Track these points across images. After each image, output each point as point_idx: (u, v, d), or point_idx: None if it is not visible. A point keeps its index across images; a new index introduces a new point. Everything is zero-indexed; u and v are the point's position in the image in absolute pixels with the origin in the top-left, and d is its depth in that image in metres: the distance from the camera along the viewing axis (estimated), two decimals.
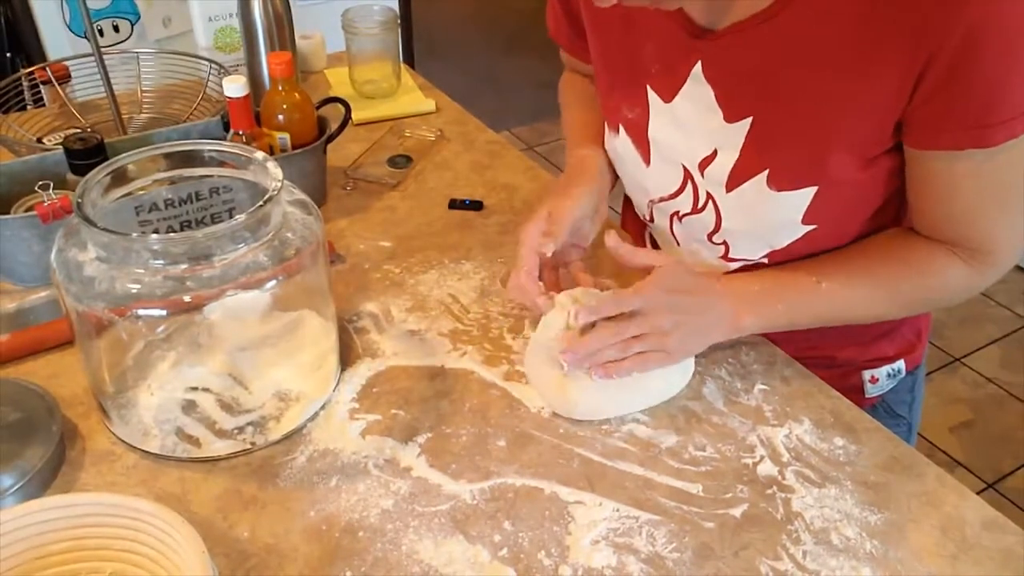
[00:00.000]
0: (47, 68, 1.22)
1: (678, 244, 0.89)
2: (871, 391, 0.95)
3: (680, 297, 0.76)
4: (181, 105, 1.24)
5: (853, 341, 0.91)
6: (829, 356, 0.91)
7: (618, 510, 0.69)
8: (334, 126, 1.08)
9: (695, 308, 0.77)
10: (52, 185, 0.88)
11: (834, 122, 0.71)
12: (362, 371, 0.82)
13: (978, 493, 0.74)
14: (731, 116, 0.76)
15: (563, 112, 1.08)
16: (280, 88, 1.00)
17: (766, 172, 0.76)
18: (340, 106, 1.09)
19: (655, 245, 0.97)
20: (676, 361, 0.77)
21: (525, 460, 0.74)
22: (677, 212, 0.86)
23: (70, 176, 0.93)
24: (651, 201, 0.88)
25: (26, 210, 0.90)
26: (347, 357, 0.84)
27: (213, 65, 1.21)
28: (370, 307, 0.91)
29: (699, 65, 0.75)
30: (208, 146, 0.76)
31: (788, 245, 0.80)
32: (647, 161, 0.85)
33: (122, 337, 0.75)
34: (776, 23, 0.69)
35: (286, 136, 1.00)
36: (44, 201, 0.86)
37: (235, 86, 0.93)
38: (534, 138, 3.28)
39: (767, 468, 0.73)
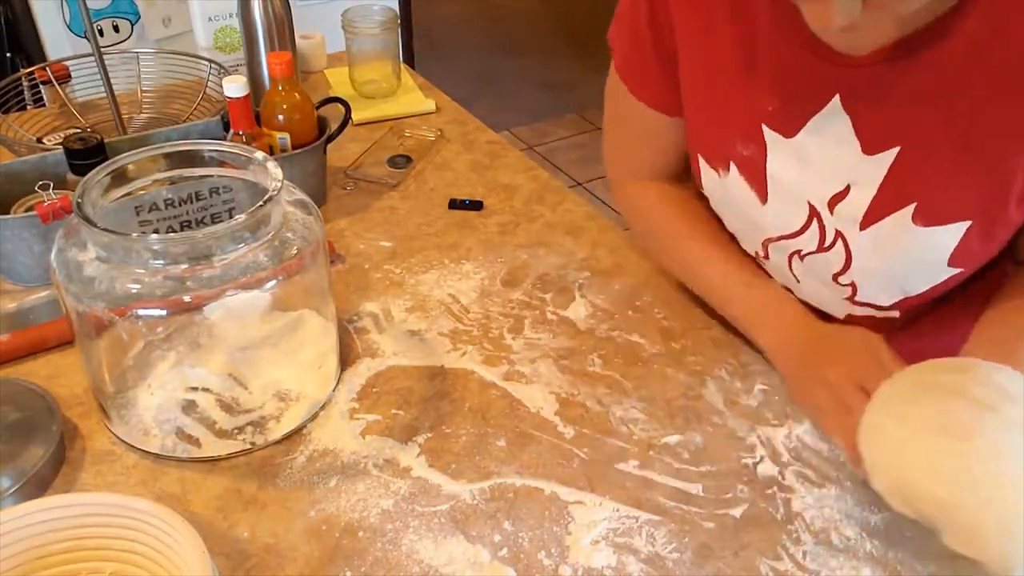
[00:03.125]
0: (47, 68, 1.22)
1: (798, 281, 0.82)
2: None
3: None
4: (181, 105, 1.24)
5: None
6: None
7: (618, 510, 0.69)
8: (334, 126, 1.08)
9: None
10: (52, 185, 0.88)
11: (1000, 156, 0.64)
12: (362, 371, 0.82)
13: None
14: (871, 147, 0.69)
15: (676, 240, 0.89)
16: (280, 88, 1.00)
17: (912, 206, 0.68)
18: (340, 106, 1.09)
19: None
20: None
21: (525, 460, 0.74)
22: (799, 251, 0.78)
23: (70, 176, 0.93)
24: (768, 239, 0.80)
25: (26, 210, 0.90)
26: (347, 357, 0.84)
27: (213, 65, 1.21)
28: (370, 307, 0.91)
29: (836, 98, 0.68)
30: (208, 146, 0.76)
31: (925, 291, 0.74)
32: (764, 199, 0.77)
33: (122, 337, 0.75)
34: (942, 47, 0.62)
35: (286, 136, 1.01)
36: (44, 201, 0.86)
37: (235, 86, 0.93)
38: (534, 138, 3.28)
39: (767, 468, 0.73)
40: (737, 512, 0.69)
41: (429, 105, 1.32)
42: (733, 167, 0.78)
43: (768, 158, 0.75)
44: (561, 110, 3.45)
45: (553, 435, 0.76)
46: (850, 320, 0.82)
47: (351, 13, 1.30)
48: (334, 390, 0.80)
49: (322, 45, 1.45)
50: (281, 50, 1.20)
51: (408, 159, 1.17)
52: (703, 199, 0.87)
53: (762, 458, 0.74)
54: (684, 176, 0.91)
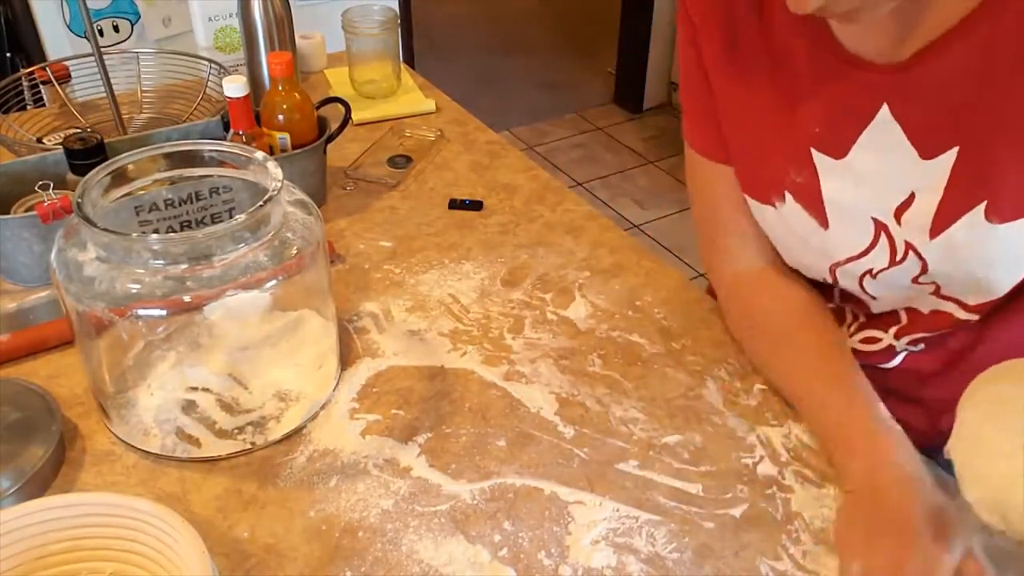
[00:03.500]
0: (47, 68, 1.22)
1: (874, 298, 0.79)
2: None
3: None
4: (181, 105, 1.24)
5: None
6: None
7: (618, 510, 0.69)
8: (334, 126, 1.08)
9: None
10: (52, 185, 0.88)
11: None
12: (362, 371, 0.82)
13: None
14: (928, 152, 0.67)
15: (788, 339, 0.80)
16: (280, 88, 1.00)
17: (983, 205, 0.66)
18: (340, 106, 1.09)
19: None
20: None
21: (525, 460, 0.74)
22: (870, 270, 0.75)
23: (70, 176, 0.93)
24: (834, 264, 0.77)
25: (26, 210, 0.90)
26: (347, 357, 0.84)
27: (213, 65, 1.21)
28: (370, 307, 0.91)
29: (885, 107, 0.67)
30: (208, 146, 0.76)
31: (1012, 290, 0.71)
32: (825, 225, 0.74)
33: (122, 337, 0.75)
34: (970, 43, 0.62)
35: (286, 136, 1.01)
36: (44, 201, 0.86)
37: (235, 86, 0.93)
38: (534, 138, 3.28)
39: (767, 468, 0.73)
40: (737, 512, 0.69)
41: (429, 105, 1.32)
42: (788, 196, 0.76)
43: (822, 182, 0.73)
44: (561, 110, 3.45)
45: (553, 435, 0.76)
46: (934, 315, 0.77)
47: (351, 13, 1.30)
48: (334, 390, 0.80)
49: (322, 45, 1.45)
50: (281, 50, 1.20)
51: (408, 159, 1.17)
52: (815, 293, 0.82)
53: (762, 458, 0.74)
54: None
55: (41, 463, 0.69)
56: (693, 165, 0.85)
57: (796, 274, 0.83)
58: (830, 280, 0.80)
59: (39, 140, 1.13)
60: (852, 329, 0.85)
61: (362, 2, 1.33)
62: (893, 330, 0.81)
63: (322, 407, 0.78)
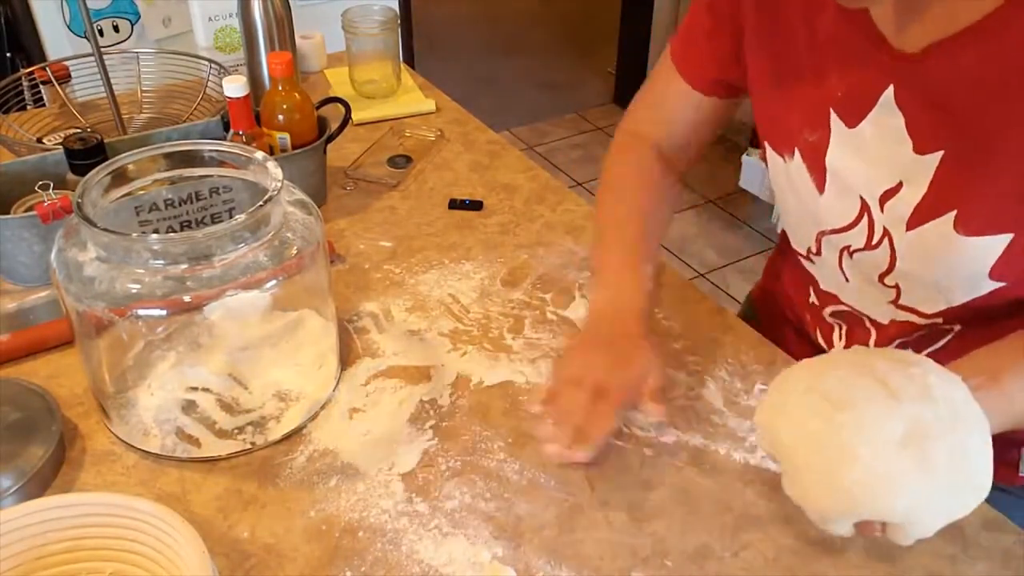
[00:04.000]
0: (47, 68, 1.22)
1: (847, 280, 0.82)
2: None
3: None
4: (181, 105, 1.24)
5: None
6: None
7: (618, 510, 0.69)
8: (334, 126, 1.08)
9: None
10: (52, 185, 0.88)
11: None
12: (362, 371, 0.82)
13: None
14: (922, 147, 0.68)
15: (620, 182, 0.92)
16: (280, 88, 1.00)
17: (953, 213, 0.68)
18: (340, 106, 1.09)
19: (817, 292, 0.88)
20: None
21: (525, 460, 0.74)
22: (848, 247, 0.78)
23: (70, 176, 0.93)
24: (821, 232, 0.80)
25: (26, 210, 0.90)
26: (347, 357, 0.84)
27: (213, 65, 1.21)
28: (370, 307, 0.91)
29: (890, 89, 0.68)
30: (208, 146, 0.76)
31: (968, 303, 0.72)
32: (821, 189, 0.77)
33: (122, 337, 0.75)
34: (985, 46, 0.62)
35: (286, 136, 1.01)
36: (44, 201, 0.86)
37: (235, 86, 0.93)
38: (534, 138, 3.28)
39: (767, 468, 0.73)
40: (737, 512, 0.69)
41: (429, 105, 1.32)
42: (797, 153, 0.78)
43: (829, 146, 0.75)
44: (561, 110, 3.45)
45: None
46: (893, 326, 0.81)
47: (351, 13, 1.30)
48: (334, 390, 0.80)
49: (322, 45, 1.45)
50: (281, 50, 1.20)
51: (408, 159, 1.17)
52: (670, 181, 0.92)
53: (762, 458, 0.74)
54: (682, 156, 0.93)
55: (41, 463, 0.69)
56: (664, 66, 0.90)
57: (667, 164, 0.92)
58: (815, 250, 0.83)
59: (39, 140, 1.13)
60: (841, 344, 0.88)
61: (362, 2, 1.33)
62: (871, 341, 0.84)
63: (322, 407, 0.78)
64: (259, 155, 0.74)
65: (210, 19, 1.47)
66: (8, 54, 1.87)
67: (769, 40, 0.78)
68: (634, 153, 0.93)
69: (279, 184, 0.70)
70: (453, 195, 1.10)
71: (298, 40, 1.31)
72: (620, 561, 0.65)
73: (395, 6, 1.87)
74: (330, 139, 1.06)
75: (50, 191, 0.87)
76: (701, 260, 2.60)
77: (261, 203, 0.68)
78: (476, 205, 1.08)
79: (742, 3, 0.79)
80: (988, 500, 0.66)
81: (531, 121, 3.38)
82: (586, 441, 0.71)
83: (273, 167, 0.72)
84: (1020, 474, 0.84)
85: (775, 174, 0.83)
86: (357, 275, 0.96)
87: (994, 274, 0.69)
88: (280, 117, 1.01)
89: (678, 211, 2.79)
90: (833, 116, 0.74)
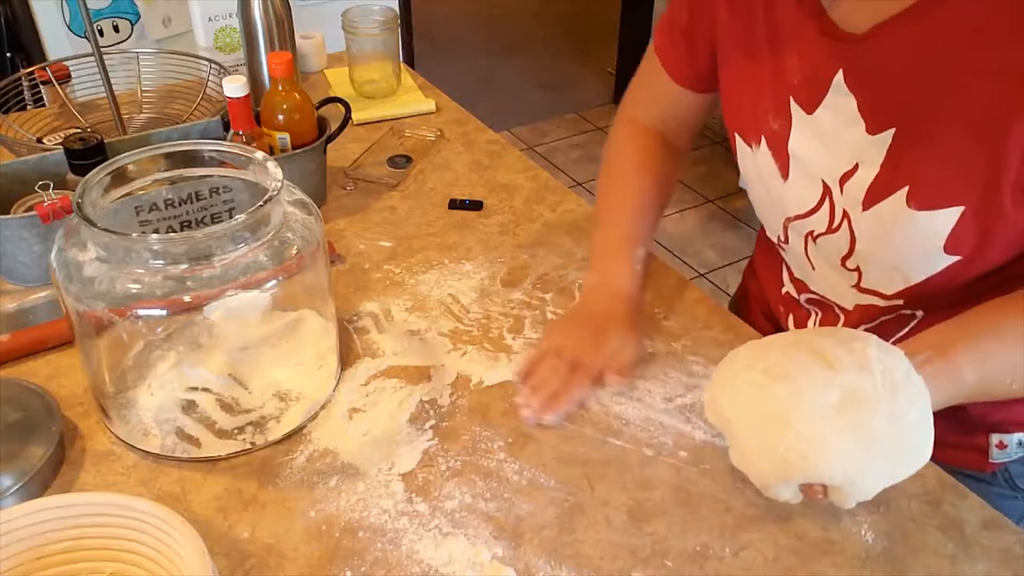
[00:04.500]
0: (47, 68, 1.22)
1: (813, 268, 0.85)
2: (996, 456, 0.85)
3: None
4: (181, 105, 1.24)
5: None
6: (959, 407, 0.75)
7: (618, 510, 0.69)
8: (334, 126, 1.08)
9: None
10: (52, 185, 0.88)
11: (986, 140, 0.65)
12: (362, 371, 0.82)
13: None
14: (873, 127, 0.71)
15: (619, 169, 0.96)
16: (280, 88, 1.00)
17: (906, 188, 0.70)
18: (340, 106, 1.09)
19: (792, 279, 0.91)
20: None
21: (525, 460, 0.74)
22: (812, 232, 0.81)
23: (70, 176, 0.93)
24: (787, 219, 0.83)
25: (26, 210, 0.90)
26: (347, 357, 0.84)
27: (213, 65, 1.21)
28: (370, 307, 0.91)
29: (840, 73, 0.71)
30: (208, 146, 0.76)
31: (927, 280, 0.74)
32: (785, 176, 0.80)
33: (122, 337, 0.75)
34: (925, 24, 0.65)
35: (286, 136, 1.01)
36: (44, 201, 0.86)
37: (235, 86, 0.93)
38: (534, 138, 3.28)
39: None
40: (737, 512, 0.69)
41: (429, 105, 1.32)
42: (763, 141, 0.81)
43: (791, 133, 0.77)
44: (561, 110, 3.45)
45: (553, 435, 0.76)
46: (858, 310, 0.83)
47: (351, 13, 1.30)
48: (334, 390, 0.80)
49: (322, 45, 1.45)
50: (281, 50, 1.20)
51: (408, 159, 1.17)
52: (668, 161, 0.96)
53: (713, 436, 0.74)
54: (677, 142, 0.98)
55: (41, 463, 0.69)
56: (651, 58, 0.94)
57: (667, 146, 0.96)
58: (783, 238, 0.86)
59: (39, 140, 1.13)
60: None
61: (362, 2, 1.33)
62: (840, 326, 0.86)
63: (322, 407, 0.78)
64: (259, 155, 0.74)
65: (210, 19, 1.47)
66: (8, 54, 1.87)
67: (736, 31, 0.81)
68: (633, 138, 0.97)
69: (279, 184, 0.70)
70: (453, 195, 1.10)
71: (298, 40, 1.31)
72: (620, 561, 0.65)
73: (395, 6, 1.87)
74: (330, 139, 1.06)
75: (50, 191, 0.87)
76: (701, 260, 2.61)
77: (261, 203, 0.68)
78: (476, 205, 1.08)
79: (713, 2, 0.82)
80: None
81: (531, 121, 3.38)
82: (557, 407, 0.77)
83: (273, 167, 0.72)
84: (990, 460, 0.86)
85: (744, 164, 0.86)
86: (357, 275, 0.96)
87: (948, 248, 0.71)
88: (280, 117, 1.01)
89: (680, 210, 2.80)
90: (793, 104, 0.76)
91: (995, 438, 0.84)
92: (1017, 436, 0.84)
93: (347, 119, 1.09)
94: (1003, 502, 0.75)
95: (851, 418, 0.60)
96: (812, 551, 0.66)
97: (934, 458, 0.68)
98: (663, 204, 0.96)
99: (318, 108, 1.05)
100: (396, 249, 1.00)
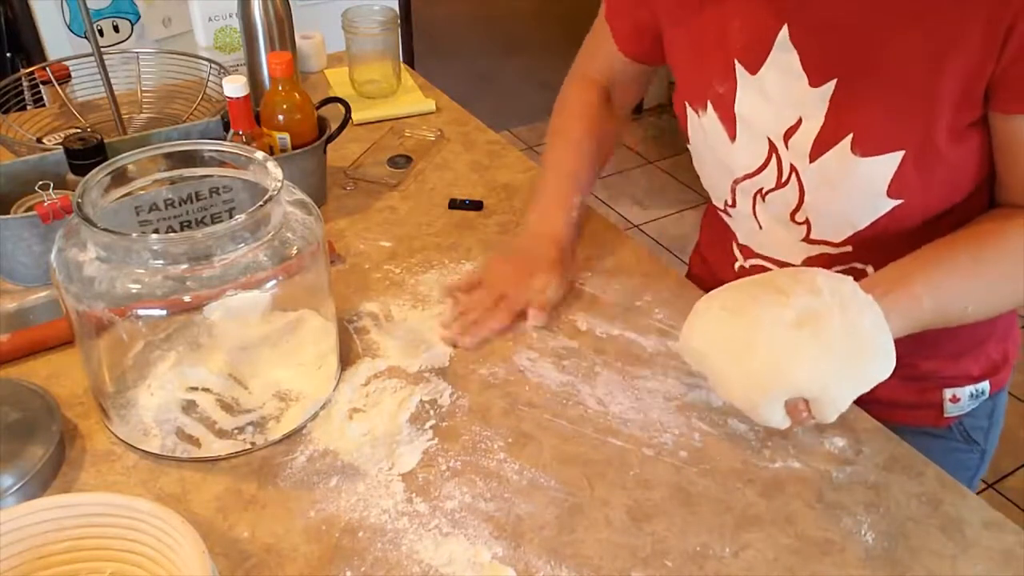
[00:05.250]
0: (47, 68, 1.21)
1: (761, 228, 0.87)
2: (950, 410, 0.90)
3: None
4: (181, 105, 1.24)
5: (936, 353, 0.87)
6: (911, 365, 0.83)
7: (618, 510, 0.69)
8: (334, 126, 1.08)
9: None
10: (52, 185, 0.88)
11: (921, 82, 0.69)
12: (362, 371, 0.82)
13: (978, 493, 0.74)
14: (816, 80, 0.74)
15: (563, 122, 1.02)
16: (280, 88, 1.00)
17: (850, 136, 0.73)
18: (340, 106, 1.09)
19: (739, 247, 0.93)
20: None
21: (525, 459, 0.74)
22: (761, 190, 0.83)
23: (70, 176, 0.93)
24: (735, 181, 0.85)
25: (26, 210, 0.90)
26: (347, 357, 0.84)
27: (213, 65, 1.21)
28: (370, 307, 0.91)
29: (785, 29, 0.74)
30: (208, 146, 0.76)
31: (872, 223, 0.77)
32: (732, 137, 0.82)
33: (122, 337, 0.75)
34: None
35: (286, 136, 1.00)
36: (44, 201, 0.86)
37: (235, 86, 0.93)
38: (534, 138, 3.28)
39: (767, 468, 0.73)
40: (737, 512, 0.69)
41: (429, 105, 1.32)
42: (709, 106, 0.83)
43: (737, 95, 0.80)
44: None
45: (553, 435, 0.76)
46: (807, 263, 0.85)
47: (351, 13, 1.30)
48: (334, 390, 0.80)
49: (322, 45, 1.45)
50: (281, 50, 1.20)
51: (408, 159, 1.17)
52: (608, 116, 1.01)
53: (763, 458, 0.74)
54: (622, 102, 1.04)
55: (41, 463, 0.69)
56: (601, 20, 0.98)
57: (608, 102, 1.01)
58: (731, 202, 0.88)
59: (39, 140, 1.13)
60: None
61: (362, 2, 1.33)
62: None
63: (322, 407, 0.78)
64: (259, 155, 0.74)
65: (210, 19, 1.47)
66: (8, 54, 1.87)
67: (680, 2, 0.84)
68: (581, 93, 1.02)
69: (279, 184, 0.70)
70: (453, 195, 1.10)
71: (298, 40, 1.31)
72: (620, 561, 0.65)
73: (395, 6, 1.87)
74: (330, 139, 1.06)
75: (50, 191, 0.87)
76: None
77: (261, 203, 0.68)
78: (476, 205, 1.08)
79: None
80: (918, 445, 0.74)
81: (531, 121, 3.38)
82: (476, 333, 0.85)
83: (273, 167, 0.72)
84: (945, 415, 0.90)
85: (692, 131, 0.88)
86: (357, 275, 0.96)
87: (892, 192, 0.74)
88: (280, 117, 1.01)
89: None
90: (738, 66, 0.79)
91: (948, 393, 0.88)
92: (969, 389, 0.88)
93: (347, 119, 1.09)
94: (960, 456, 0.80)
95: (809, 330, 0.65)
96: (812, 551, 0.66)
97: (892, 420, 0.76)
98: (604, 157, 1.01)
99: (318, 108, 1.05)
100: (396, 249, 1.00)
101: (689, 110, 0.87)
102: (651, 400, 0.80)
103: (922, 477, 0.73)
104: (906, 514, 0.69)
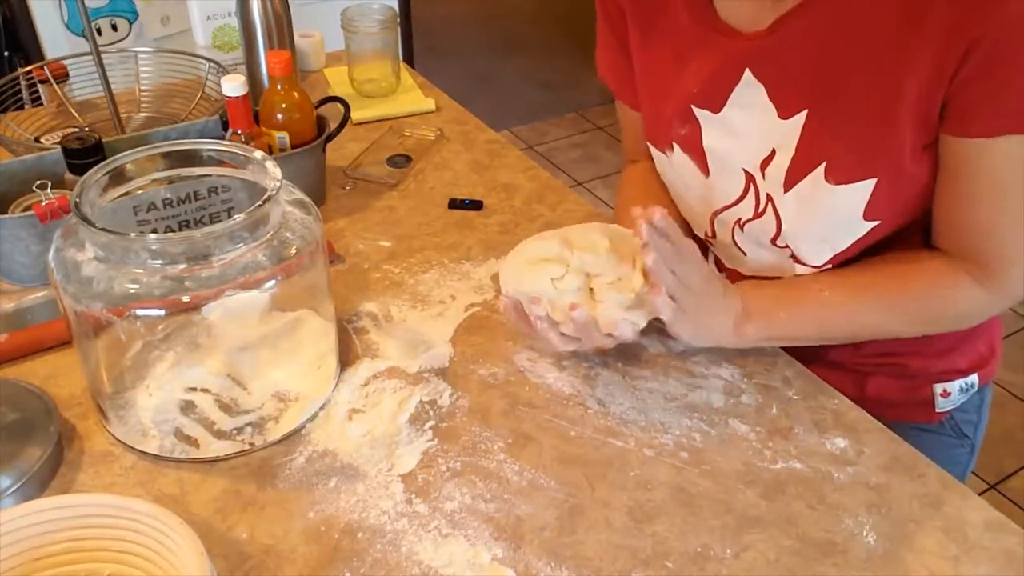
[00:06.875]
0: (45, 67, 1.21)
1: (745, 254, 0.86)
2: (942, 405, 0.91)
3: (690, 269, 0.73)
4: (179, 104, 1.23)
5: (925, 350, 0.88)
6: (901, 364, 0.88)
7: (618, 510, 0.69)
8: (333, 125, 1.07)
9: (701, 289, 0.74)
10: (50, 185, 0.87)
11: (884, 110, 0.70)
12: (361, 371, 0.82)
13: (980, 494, 0.74)
14: (785, 112, 0.75)
15: (623, 203, 0.98)
16: (279, 87, 1.00)
17: (823, 166, 0.74)
18: (339, 105, 1.09)
19: (722, 270, 0.93)
20: (677, 327, 0.73)
21: (525, 460, 0.73)
22: (739, 220, 0.83)
23: (68, 176, 0.93)
24: (714, 213, 0.85)
25: (24, 210, 0.90)
26: (346, 357, 0.83)
27: (212, 64, 1.21)
28: (370, 307, 0.90)
29: (747, 71, 0.75)
30: (207, 145, 0.76)
31: (853, 245, 0.78)
32: (706, 171, 0.83)
33: (120, 337, 0.75)
34: (821, 14, 0.70)
35: (285, 135, 1.00)
36: (42, 201, 0.85)
37: (234, 85, 0.93)
38: (534, 138, 3.28)
39: (768, 469, 0.73)
40: (738, 512, 0.69)
41: (429, 104, 1.32)
42: (676, 146, 0.84)
43: (703, 133, 0.81)
44: (561, 110, 3.45)
45: (553, 435, 0.76)
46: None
47: (350, 12, 1.30)
48: (333, 390, 0.80)
49: (321, 44, 1.44)
50: (280, 49, 1.20)
51: (408, 159, 1.17)
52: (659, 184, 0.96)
53: (763, 458, 0.74)
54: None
55: (39, 464, 0.69)
56: (617, 102, 0.98)
57: (652, 169, 0.94)
58: (711, 234, 0.88)
59: (37, 139, 1.13)
60: None
61: (361, 1, 1.33)
62: None
63: (321, 408, 0.78)
64: (258, 154, 0.74)
65: (208, 18, 1.47)
66: (6, 53, 1.87)
67: (644, 42, 0.84)
68: (630, 177, 0.99)
69: (278, 183, 0.70)
70: (453, 195, 1.10)
71: (297, 39, 1.31)
72: (620, 562, 0.65)
73: (395, 5, 1.87)
74: (329, 138, 1.06)
75: (48, 191, 0.87)
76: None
77: (260, 203, 0.68)
78: (476, 205, 1.08)
79: (624, 12, 0.85)
80: (912, 441, 0.75)
81: (531, 121, 3.38)
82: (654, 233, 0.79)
83: (272, 166, 0.71)
84: (937, 410, 0.90)
85: (663, 170, 0.89)
86: (356, 275, 0.95)
87: (867, 215, 0.75)
88: (279, 116, 1.00)
89: None
90: (696, 110, 0.80)
91: (939, 387, 0.89)
92: (959, 383, 0.89)
93: (346, 118, 1.09)
94: (952, 451, 0.81)
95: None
96: (814, 552, 0.66)
97: (886, 418, 0.78)
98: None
99: (317, 107, 1.05)
100: (395, 249, 1.00)
101: (654, 150, 0.88)
102: (652, 401, 0.79)
103: (924, 478, 0.72)
104: (908, 515, 0.69)
